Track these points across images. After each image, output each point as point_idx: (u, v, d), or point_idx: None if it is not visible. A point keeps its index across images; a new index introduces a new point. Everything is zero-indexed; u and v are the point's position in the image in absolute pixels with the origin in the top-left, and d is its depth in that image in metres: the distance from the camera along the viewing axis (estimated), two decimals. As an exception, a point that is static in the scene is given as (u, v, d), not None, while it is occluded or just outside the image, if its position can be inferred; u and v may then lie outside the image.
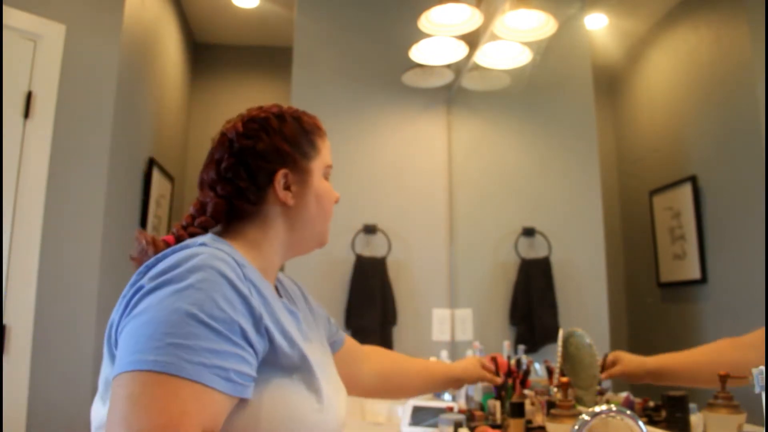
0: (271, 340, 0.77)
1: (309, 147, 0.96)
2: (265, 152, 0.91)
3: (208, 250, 0.77)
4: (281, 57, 3.26)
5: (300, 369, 0.81)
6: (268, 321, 0.78)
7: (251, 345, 0.74)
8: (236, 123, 0.94)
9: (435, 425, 1.73)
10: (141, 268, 0.78)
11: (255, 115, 0.95)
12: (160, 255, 0.78)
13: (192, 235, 0.91)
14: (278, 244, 0.94)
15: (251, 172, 0.91)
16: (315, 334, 1.01)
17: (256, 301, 0.77)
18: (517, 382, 1.65)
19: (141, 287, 0.74)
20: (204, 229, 0.92)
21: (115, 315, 0.76)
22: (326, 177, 0.99)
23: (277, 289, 0.99)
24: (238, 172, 0.90)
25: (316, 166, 0.96)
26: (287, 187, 0.92)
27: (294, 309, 0.94)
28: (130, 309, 0.73)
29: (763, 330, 1.00)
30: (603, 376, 1.40)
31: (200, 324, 0.68)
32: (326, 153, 0.99)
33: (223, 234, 0.92)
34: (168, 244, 0.88)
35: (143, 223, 2.79)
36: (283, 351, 0.79)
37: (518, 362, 1.73)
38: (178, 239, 0.90)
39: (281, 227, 0.93)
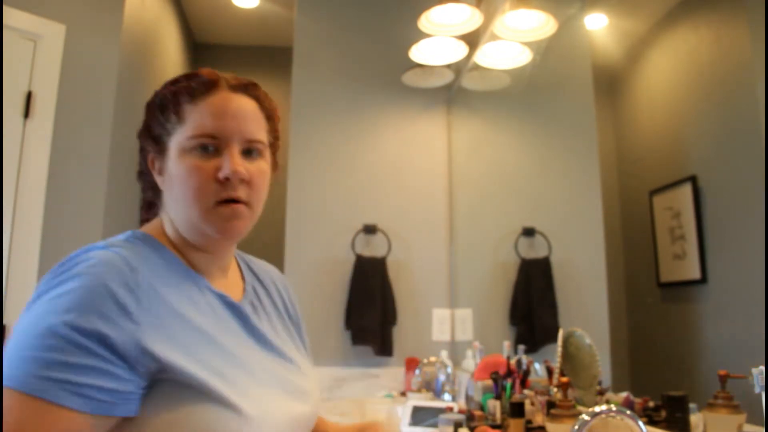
0: (160, 354, 0.69)
1: (168, 122, 0.82)
2: (140, 137, 0.88)
3: (100, 253, 0.72)
4: (281, 57, 3.26)
5: (207, 378, 0.71)
6: (157, 333, 0.70)
7: (124, 359, 0.66)
8: None
9: (435, 425, 1.73)
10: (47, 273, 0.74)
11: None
12: (66, 257, 0.74)
13: (142, 221, 0.91)
14: (183, 232, 0.84)
15: (139, 158, 0.89)
16: (277, 329, 0.94)
17: (142, 314, 0.69)
18: (518, 382, 1.65)
19: (37, 298, 0.70)
20: (141, 222, 0.91)
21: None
22: (203, 147, 0.80)
23: (244, 278, 0.94)
24: (139, 159, 0.90)
25: (174, 141, 0.81)
26: (160, 173, 0.85)
27: (241, 305, 0.86)
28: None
29: None
30: None
31: (61, 337, 0.64)
32: (198, 119, 0.80)
33: (148, 227, 0.87)
34: None
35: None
36: (180, 363, 0.70)
37: (518, 362, 1.73)
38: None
39: (169, 213, 0.85)
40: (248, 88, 0.88)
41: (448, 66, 2.51)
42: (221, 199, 0.80)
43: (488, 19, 2.22)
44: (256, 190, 0.84)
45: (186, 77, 0.84)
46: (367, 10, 2.85)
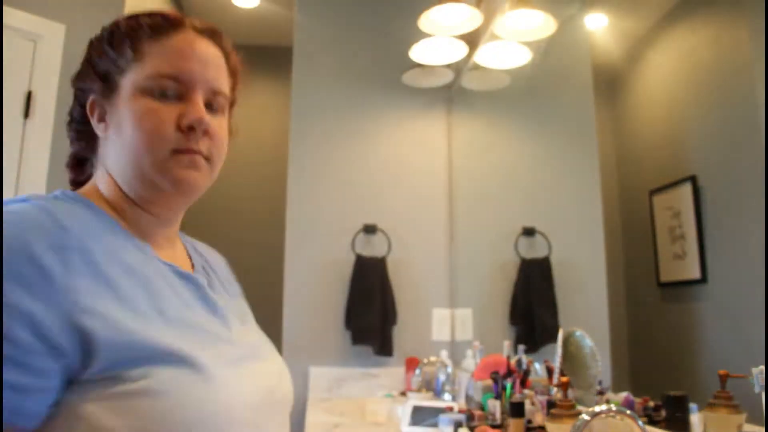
0: (88, 331, 0.55)
1: (121, 57, 0.71)
2: (79, 77, 0.75)
3: (20, 207, 0.59)
4: (281, 57, 3.26)
5: (148, 361, 0.58)
6: (87, 298, 0.57)
7: (46, 342, 0.53)
8: None
9: (435, 425, 1.73)
10: None
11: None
12: None
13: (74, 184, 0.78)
14: (127, 188, 0.72)
15: (72, 111, 0.76)
16: (229, 306, 0.81)
17: (72, 279, 0.56)
18: (517, 381, 1.65)
19: None
20: (72, 184, 0.78)
21: None
22: (162, 90, 0.70)
23: (191, 257, 0.84)
24: (72, 105, 0.77)
25: (129, 79, 0.70)
26: (101, 118, 0.73)
27: (196, 275, 0.76)
28: None
29: None
30: None
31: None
32: (160, 58, 0.71)
33: (85, 188, 0.75)
34: None
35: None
36: (111, 339, 0.56)
37: (518, 362, 1.73)
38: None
39: (114, 167, 0.72)
40: (215, 36, 0.81)
41: (448, 66, 2.51)
42: (180, 148, 0.69)
43: (488, 19, 2.22)
44: (217, 146, 0.74)
45: (147, 14, 0.74)
46: (367, 10, 2.85)
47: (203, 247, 0.93)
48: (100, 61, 0.72)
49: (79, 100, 0.75)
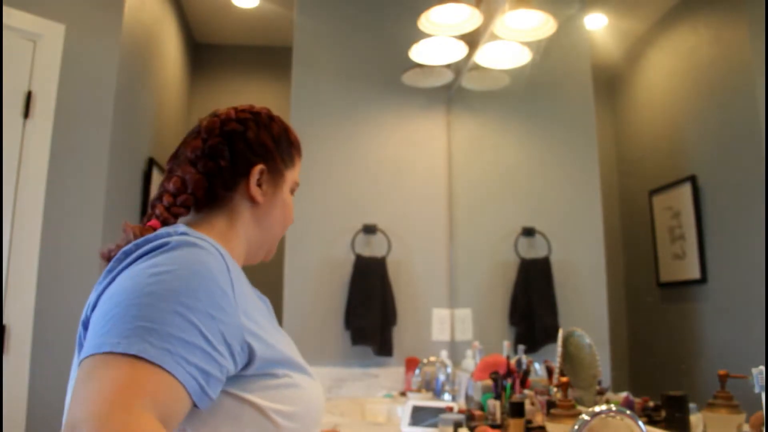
0: (252, 348, 0.74)
1: (288, 156, 0.98)
2: (251, 141, 0.93)
3: (190, 238, 0.75)
4: (281, 57, 3.27)
5: (290, 361, 0.82)
6: (248, 322, 0.74)
7: (230, 351, 0.70)
8: (229, 110, 0.96)
9: (435, 425, 1.73)
10: (119, 255, 0.75)
11: (248, 108, 0.97)
12: (139, 241, 0.75)
13: (176, 215, 0.89)
14: (242, 239, 0.93)
15: (234, 155, 0.91)
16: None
17: (237, 300, 0.73)
18: (517, 381, 1.65)
19: (119, 274, 0.71)
20: (186, 208, 0.89)
21: (87, 308, 0.73)
22: (292, 192, 1.01)
23: None
24: (222, 151, 0.91)
25: (290, 176, 0.98)
26: (259, 184, 0.93)
27: (262, 295, 0.97)
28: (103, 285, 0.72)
29: None
30: None
31: (174, 313, 0.64)
32: (298, 171, 1.02)
33: (192, 225, 0.88)
34: (155, 229, 0.84)
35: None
36: (263, 355, 0.76)
37: (518, 362, 1.73)
38: (164, 221, 0.87)
39: (248, 221, 0.93)
40: None
41: (448, 66, 2.51)
42: (284, 232, 1.02)
43: (488, 19, 2.22)
44: None
45: (293, 132, 1.01)
46: (367, 10, 2.85)
47: None
48: (283, 151, 0.97)
49: (244, 156, 0.92)
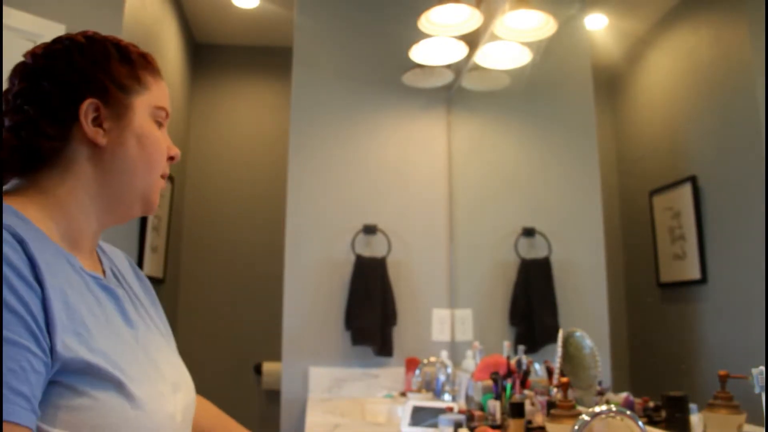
0: (55, 338, 0.61)
1: (131, 79, 0.78)
2: (67, 76, 0.74)
3: None
4: (281, 57, 3.27)
5: (100, 372, 0.65)
6: (54, 316, 0.62)
7: (41, 347, 0.60)
8: (37, 46, 0.80)
9: (435, 425, 1.73)
10: None
11: (63, 38, 0.79)
12: None
13: None
14: (88, 199, 0.75)
15: (47, 98, 0.73)
16: (145, 314, 0.85)
17: (41, 290, 0.62)
18: (517, 382, 1.65)
19: None
20: None
21: None
22: (159, 122, 0.82)
23: (101, 261, 0.84)
24: (29, 97, 0.74)
25: (141, 102, 0.79)
26: (99, 123, 0.75)
27: (114, 287, 0.79)
28: None
29: None
30: None
31: None
32: (159, 93, 0.82)
33: (18, 191, 0.73)
34: None
35: (143, 223, 2.79)
36: (71, 352, 0.63)
37: (518, 362, 1.73)
38: None
39: (90, 175, 0.75)
40: None
41: (448, 66, 2.51)
42: (164, 174, 0.82)
43: (488, 19, 2.22)
44: None
45: (139, 50, 0.82)
46: (367, 10, 2.85)
47: (107, 246, 0.91)
48: (110, 75, 0.76)
49: (62, 96, 0.74)
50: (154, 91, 0.81)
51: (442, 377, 2.36)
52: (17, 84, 0.76)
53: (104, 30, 2.49)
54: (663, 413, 1.28)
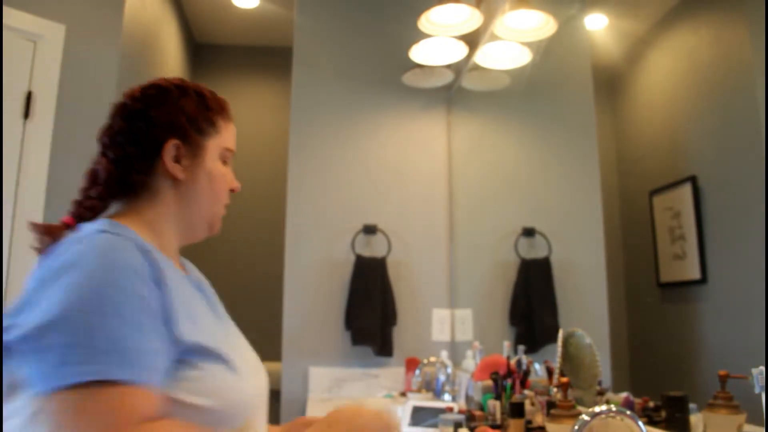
0: (178, 328, 0.76)
1: (206, 124, 0.93)
2: (157, 119, 0.89)
3: (105, 238, 0.76)
4: (281, 57, 3.27)
5: (212, 352, 0.80)
6: (175, 310, 0.77)
7: (162, 333, 0.74)
8: (134, 89, 0.92)
9: (435, 425, 1.73)
10: (41, 261, 0.77)
11: (155, 83, 0.93)
12: (59, 247, 0.76)
13: (89, 208, 0.88)
14: (171, 221, 0.91)
15: (140, 138, 0.88)
16: (222, 312, 1.01)
17: (163, 289, 0.76)
18: (517, 382, 1.65)
19: (41, 283, 0.72)
20: (99, 199, 0.88)
21: (13, 311, 0.72)
22: (224, 160, 0.97)
23: (184, 268, 0.99)
24: (127, 136, 0.88)
25: (212, 144, 0.94)
26: (177, 160, 0.90)
27: (203, 286, 0.97)
28: (30, 308, 0.71)
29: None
30: None
31: (111, 322, 0.68)
32: (228, 135, 0.97)
33: (119, 216, 0.88)
34: (67, 226, 0.85)
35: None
36: (191, 337, 0.77)
37: (518, 363, 1.73)
38: (78, 217, 0.87)
39: (172, 202, 0.91)
40: None
41: (448, 66, 2.51)
42: (226, 204, 0.99)
43: (488, 19, 2.22)
44: None
45: (214, 96, 0.97)
46: (367, 10, 2.85)
47: (186, 262, 1.05)
48: (191, 118, 0.91)
49: (151, 136, 0.89)
50: (224, 134, 0.96)
51: (442, 377, 2.36)
52: (118, 123, 0.90)
53: (104, 30, 2.48)
54: (663, 413, 1.28)
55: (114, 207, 0.90)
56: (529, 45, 2.15)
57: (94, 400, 0.65)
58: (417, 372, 2.40)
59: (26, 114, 2.17)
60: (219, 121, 0.95)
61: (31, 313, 0.69)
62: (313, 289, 2.60)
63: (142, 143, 0.88)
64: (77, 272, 0.70)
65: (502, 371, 1.71)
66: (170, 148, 0.89)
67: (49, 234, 0.83)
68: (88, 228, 0.80)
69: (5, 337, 0.69)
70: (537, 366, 1.84)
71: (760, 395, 0.90)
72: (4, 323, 0.71)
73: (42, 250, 0.82)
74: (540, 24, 1.99)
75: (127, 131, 0.89)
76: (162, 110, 0.89)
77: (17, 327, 0.69)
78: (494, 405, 1.63)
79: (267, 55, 3.86)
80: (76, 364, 0.65)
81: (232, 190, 0.99)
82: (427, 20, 2.13)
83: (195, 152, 0.91)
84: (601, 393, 1.50)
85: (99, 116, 2.62)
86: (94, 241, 0.75)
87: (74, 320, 0.67)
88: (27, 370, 0.67)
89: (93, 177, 0.89)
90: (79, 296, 0.68)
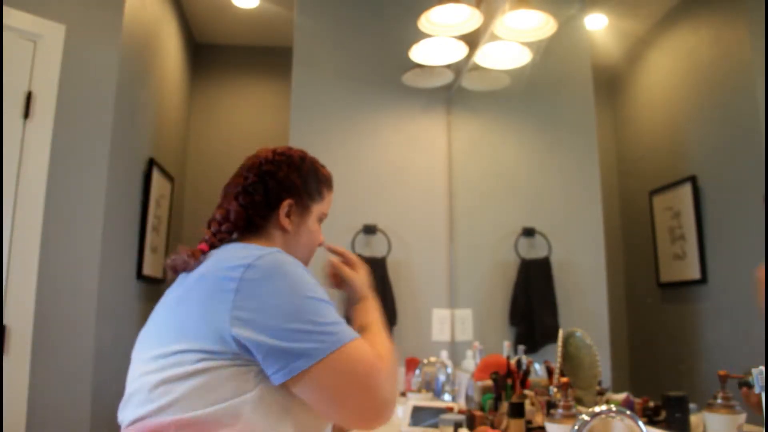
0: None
1: (316, 192, 1.17)
2: (282, 180, 1.12)
3: (277, 252, 1.00)
4: (281, 57, 3.26)
5: None
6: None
7: None
8: (268, 152, 1.16)
9: (435, 425, 1.73)
10: (225, 269, 0.93)
11: (284, 151, 1.16)
12: (246, 258, 0.93)
13: (221, 240, 1.08)
14: None
15: (267, 192, 1.11)
16: None
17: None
18: (517, 382, 1.65)
19: (251, 285, 0.90)
20: (229, 233, 1.09)
21: (222, 312, 0.88)
22: (320, 221, 1.20)
23: None
24: (258, 188, 1.11)
25: (316, 209, 1.17)
26: (288, 215, 1.12)
27: None
28: (248, 307, 0.89)
29: None
30: None
31: (322, 303, 0.94)
32: (327, 203, 1.21)
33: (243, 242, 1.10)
34: (203, 252, 1.04)
35: (143, 223, 2.79)
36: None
37: (518, 362, 1.73)
38: (211, 245, 1.06)
39: (280, 246, 1.11)
40: None
41: (448, 66, 2.51)
42: (313, 254, 1.22)
43: (488, 19, 2.22)
44: None
45: (325, 170, 1.21)
46: (367, 10, 2.85)
47: None
48: (311, 189, 1.16)
49: (275, 193, 1.12)
50: (326, 201, 1.20)
51: (442, 377, 2.36)
52: (251, 178, 1.12)
53: (104, 30, 2.48)
54: (663, 413, 1.28)
55: (236, 236, 1.12)
56: (529, 45, 2.15)
57: (349, 355, 0.90)
58: (417, 372, 2.40)
59: (26, 114, 2.17)
60: (324, 191, 1.19)
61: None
62: (313, 289, 2.59)
63: (267, 196, 1.11)
64: (291, 276, 0.97)
65: (502, 371, 1.71)
66: (285, 205, 1.12)
67: (194, 257, 1.01)
68: (268, 250, 0.99)
69: (290, 344, 0.88)
70: (537, 366, 1.84)
71: (760, 395, 0.90)
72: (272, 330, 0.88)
73: (186, 269, 1.01)
74: (540, 24, 1.99)
75: (259, 185, 1.11)
76: (287, 174, 1.13)
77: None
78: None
79: (267, 55, 3.86)
80: (327, 335, 0.90)
81: (319, 244, 1.22)
82: (427, 20, 2.13)
83: (303, 213, 1.15)
84: (601, 393, 1.50)
85: (99, 116, 2.62)
86: (281, 254, 1.00)
87: (311, 310, 0.93)
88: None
89: (225, 216, 1.10)
90: (299, 291, 0.96)
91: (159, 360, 0.91)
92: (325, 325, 0.90)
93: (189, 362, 0.88)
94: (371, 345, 0.97)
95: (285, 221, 1.12)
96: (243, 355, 0.88)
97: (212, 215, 1.12)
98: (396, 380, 0.98)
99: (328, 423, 1.01)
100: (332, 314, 0.94)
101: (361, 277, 1.27)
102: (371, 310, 1.25)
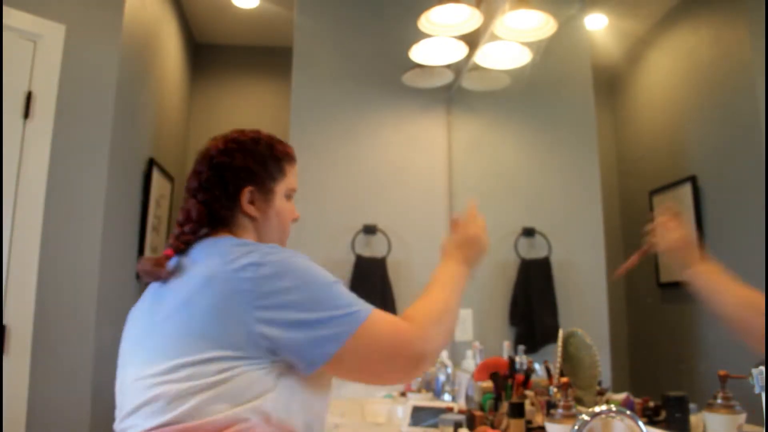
0: None
1: (276, 171, 1.13)
2: (238, 169, 1.08)
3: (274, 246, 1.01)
4: (281, 57, 3.26)
5: None
6: None
7: None
8: (219, 141, 1.11)
9: (435, 425, 1.72)
10: (234, 270, 0.91)
11: (235, 137, 1.12)
12: (251, 256, 0.93)
13: (186, 242, 1.04)
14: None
15: (224, 184, 1.07)
16: None
17: None
18: (516, 382, 1.65)
19: (267, 283, 0.90)
20: (193, 233, 1.04)
21: (242, 313, 0.89)
22: (289, 197, 1.16)
23: None
24: (214, 182, 1.07)
25: (280, 187, 1.13)
26: (251, 202, 1.09)
27: None
28: (271, 306, 0.90)
29: None
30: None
31: (335, 285, 0.98)
32: (292, 178, 1.16)
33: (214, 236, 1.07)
34: (168, 258, 1.01)
35: (143, 223, 2.79)
36: None
37: (511, 362, 1.72)
38: (176, 249, 1.03)
39: (251, 232, 1.11)
40: None
41: (448, 66, 2.51)
42: (289, 232, 1.18)
43: (488, 19, 2.22)
44: None
45: (282, 145, 1.16)
46: (367, 10, 2.85)
47: None
48: (269, 169, 1.11)
49: (232, 183, 1.08)
50: (289, 177, 1.16)
51: (442, 377, 2.36)
52: (205, 173, 1.08)
53: (104, 30, 2.47)
54: (663, 413, 1.28)
55: (206, 231, 1.08)
56: (529, 45, 2.15)
57: (374, 325, 0.98)
58: (417, 372, 2.39)
59: (26, 114, 2.17)
60: (286, 167, 1.15)
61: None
62: (313, 289, 2.59)
63: (225, 188, 1.07)
64: (301, 262, 0.97)
65: (503, 372, 1.71)
66: (246, 193, 1.08)
67: (160, 265, 1.00)
68: (268, 247, 0.98)
69: (320, 332, 0.91)
70: (537, 366, 1.84)
71: (760, 395, 0.90)
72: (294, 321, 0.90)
73: (159, 278, 1.00)
74: (540, 24, 1.99)
75: (215, 178, 1.07)
76: (242, 161, 1.08)
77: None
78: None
79: (267, 55, 3.86)
80: (354, 314, 0.96)
81: (294, 220, 1.18)
82: (427, 20, 2.13)
83: (266, 196, 1.11)
84: (601, 393, 1.50)
85: (99, 116, 2.62)
86: (275, 246, 0.99)
87: (332, 292, 0.97)
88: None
89: (186, 215, 1.06)
90: (316, 276, 0.97)
91: (180, 370, 0.89)
92: (343, 307, 0.94)
93: (212, 372, 0.88)
94: (412, 308, 1.09)
95: (250, 209, 1.09)
96: (267, 354, 0.90)
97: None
98: (442, 329, 1.05)
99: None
100: (346, 294, 0.97)
101: (453, 238, 1.35)
102: (439, 272, 1.26)
